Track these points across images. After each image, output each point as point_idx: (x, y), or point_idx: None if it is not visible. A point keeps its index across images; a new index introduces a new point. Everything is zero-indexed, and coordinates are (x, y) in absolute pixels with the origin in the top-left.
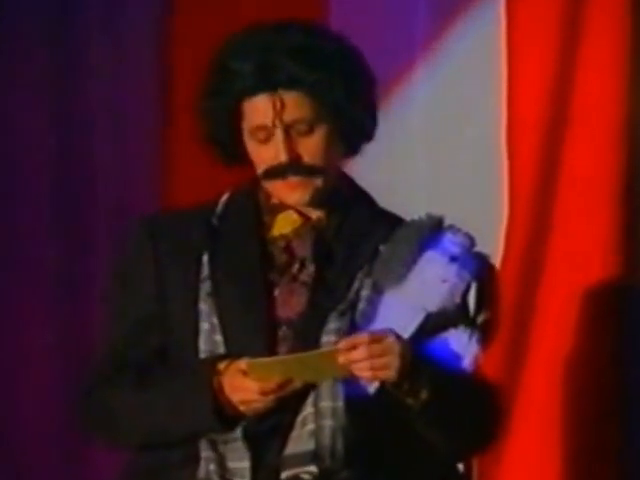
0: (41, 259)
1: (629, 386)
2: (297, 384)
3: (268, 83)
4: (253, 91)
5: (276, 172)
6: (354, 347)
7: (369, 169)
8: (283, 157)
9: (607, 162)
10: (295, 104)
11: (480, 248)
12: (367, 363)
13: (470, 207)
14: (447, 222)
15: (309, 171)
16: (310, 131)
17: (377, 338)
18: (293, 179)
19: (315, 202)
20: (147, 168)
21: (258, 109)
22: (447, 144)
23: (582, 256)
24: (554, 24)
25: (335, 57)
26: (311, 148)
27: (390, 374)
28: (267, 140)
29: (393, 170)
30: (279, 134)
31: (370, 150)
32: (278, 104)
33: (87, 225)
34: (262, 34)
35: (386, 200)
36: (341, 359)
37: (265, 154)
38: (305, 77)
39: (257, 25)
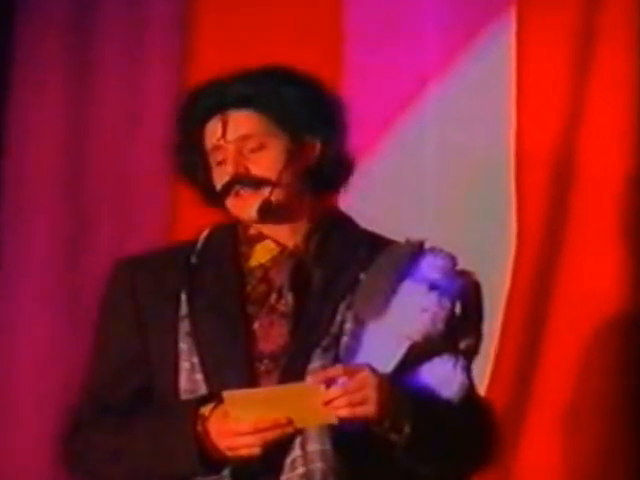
0: (48, 293)
1: None
2: (289, 428)
3: (218, 105)
4: (207, 114)
5: (226, 187)
6: (328, 379)
7: (378, 197)
8: (230, 169)
9: (618, 194)
10: (242, 121)
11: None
12: (344, 400)
13: (478, 237)
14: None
15: (254, 181)
16: (261, 147)
17: (350, 371)
18: (243, 192)
19: (265, 215)
20: (153, 212)
21: (211, 131)
22: (456, 174)
23: (593, 290)
24: (565, 59)
25: (284, 78)
26: (260, 162)
27: (369, 409)
28: (223, 161)
29: (400, 195)
30: (229, 150)
31: (380, 183)
32: (225, 122)
33: (90, 270)
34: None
35: (393, 225)
36: (318, 400)
37: (221, 175)
38: (250, 93)
39: None
